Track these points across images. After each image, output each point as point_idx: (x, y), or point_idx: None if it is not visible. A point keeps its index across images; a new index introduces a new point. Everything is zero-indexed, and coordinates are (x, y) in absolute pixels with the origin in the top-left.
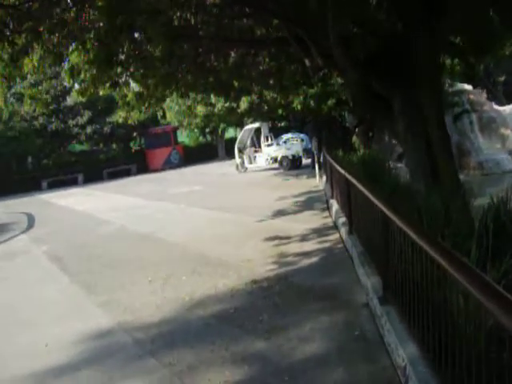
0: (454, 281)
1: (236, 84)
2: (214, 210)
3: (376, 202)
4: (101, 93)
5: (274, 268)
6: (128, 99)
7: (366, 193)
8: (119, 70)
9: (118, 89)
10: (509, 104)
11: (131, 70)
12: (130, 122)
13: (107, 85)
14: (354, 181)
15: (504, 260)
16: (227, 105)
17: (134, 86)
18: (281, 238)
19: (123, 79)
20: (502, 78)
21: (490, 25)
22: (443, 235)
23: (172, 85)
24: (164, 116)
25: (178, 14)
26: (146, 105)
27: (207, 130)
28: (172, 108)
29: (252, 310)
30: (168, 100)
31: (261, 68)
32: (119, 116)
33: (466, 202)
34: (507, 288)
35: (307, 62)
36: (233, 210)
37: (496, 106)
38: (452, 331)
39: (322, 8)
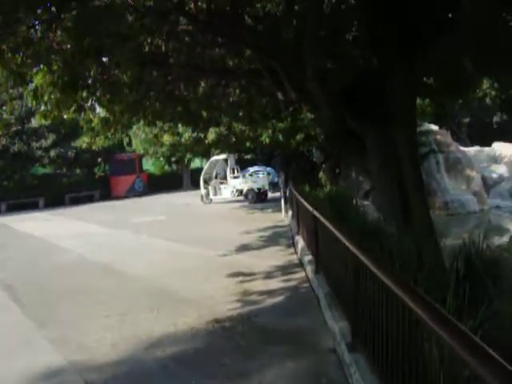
0: (430, 331)
1: (205, 114)
2: (177, 241)
3: (348, 244)
4: (65, 117)
5: (237, 307)
6: (93, 124)
7: (336, 233)
8: (85, 94)
9: (83, 113)
10: (473, 145)
11: (98, 94)
12: (94, 147)
13: (72, 109)
14: (322, 219)
15: (480, 310)
16: (194, 135)
17: (100, 111)
18: (244, 274)
19: (89, 104)
20: (467, 120)
21: (463, 71)
22: (416, 279)
23: (139, 112)
24: (130, 143)
25: (149, 40)
26: (112, 131)
27: (173, 158)
28: (138, 135)
29: (213, 352)
30: (135, 127)
31: (231, 99)
32: (83, 141)
33: (438, 245)
34: (484, 338)
35: (280, 96)
36: (196, 242)
37: (461, 147)
38: None
39: (297, 41)
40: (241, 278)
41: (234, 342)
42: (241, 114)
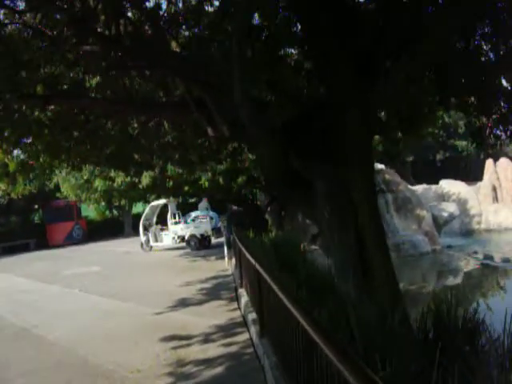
0: None
1: (136, 157)
2: (110, 297)
3: (297, 315)
4: None
5: (168, 383)
6: (10, 169)
7: (283, 299)
8: None
9: None
10: (418, 184)
11: (6, 134)
12: (13, 195)
13: None
14: (267, 277)
15: None
16: (128, 179)
17: (20, 155)
18: (180, 337)
19: None
20: (410, 159)
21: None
22: (384, 363)
23: (60, 154)
24: (59, 189)
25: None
26: (32, 176)
27: (116, 203)
28: (69, 180)
29: None
30: (64, 172)
31: (164, 140)
32: None
33: (405, 310)
34: None
35: (210, 132)
36: (131, 297)
37: (410, 186)
38: None
39: (229, 66)
40: (175, 343)
41: None
42: (177, 156)
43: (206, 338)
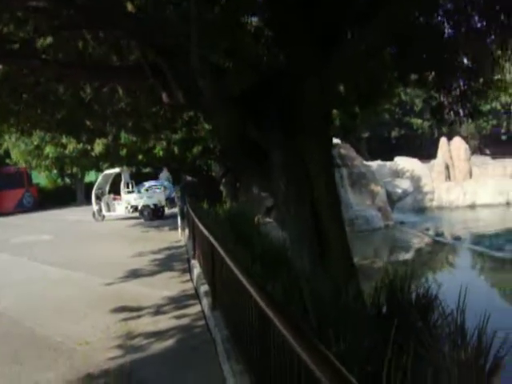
0: None
1: (88, 123)
2: (60, 266)
3: (251, 291)
4: None
5: (117, 355)
6: None
7: (238, 275)
8: None
9: None
10: (373, 160)
11: None
12: None
13: None
14: (220, 250)
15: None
16: (80, 147)
17: None
18: (131, 309)
19: None
20: (366, 135)
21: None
22: (338, 337)
23: (9, 118)
24: (9, 155)
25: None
26: None
27: (69, 171)
28: (19, 146)
29: None
30: (13, 137)
31: (118, 107)
32: None
33: (358, 285)
34: None
35: (165, 98)
36: (81, 267)
37: (365, 162)
38: None
39: (186, 28)
40: (126, 315)
41: None
42: (130, 123)
43: (158, 310)
